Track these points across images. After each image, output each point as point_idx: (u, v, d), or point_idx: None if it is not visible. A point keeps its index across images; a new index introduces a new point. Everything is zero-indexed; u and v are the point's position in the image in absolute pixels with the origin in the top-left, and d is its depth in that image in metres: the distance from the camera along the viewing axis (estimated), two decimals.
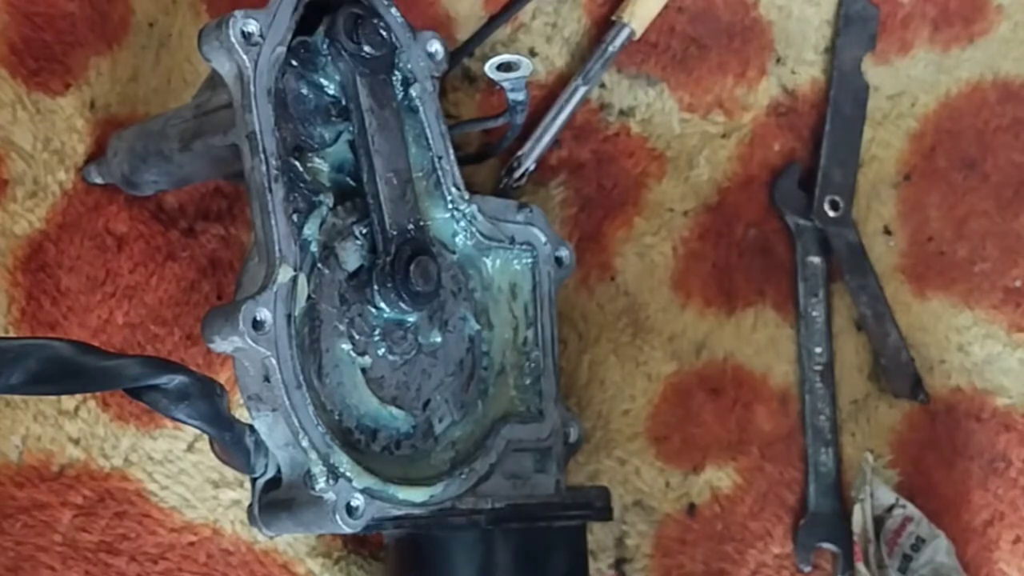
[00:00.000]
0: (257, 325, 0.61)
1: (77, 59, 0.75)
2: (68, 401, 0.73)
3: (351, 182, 0.68)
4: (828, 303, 0.87)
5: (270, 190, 0.63)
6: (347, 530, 0.63)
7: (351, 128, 0.68)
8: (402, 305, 0.67)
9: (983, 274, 0.90)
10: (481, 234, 0.71)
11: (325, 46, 0.67)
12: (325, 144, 0.68)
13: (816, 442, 0.86)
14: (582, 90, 0.83)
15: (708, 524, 0.84)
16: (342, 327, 0.66)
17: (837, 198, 0.87)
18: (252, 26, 0.63)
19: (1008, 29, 0.93)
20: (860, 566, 0.82)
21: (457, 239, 0.71)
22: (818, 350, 0.86)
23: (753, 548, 0.84)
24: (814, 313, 0.87)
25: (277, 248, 0.63)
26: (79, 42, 0.75)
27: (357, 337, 0.67)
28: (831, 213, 0.87)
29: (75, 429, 0.73)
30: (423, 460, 0.69)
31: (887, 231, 0.90)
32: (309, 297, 0.65)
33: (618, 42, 0.85)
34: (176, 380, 0.58)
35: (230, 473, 0.74)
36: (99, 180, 0.74)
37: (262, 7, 0.64)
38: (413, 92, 0.69)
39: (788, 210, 0.87)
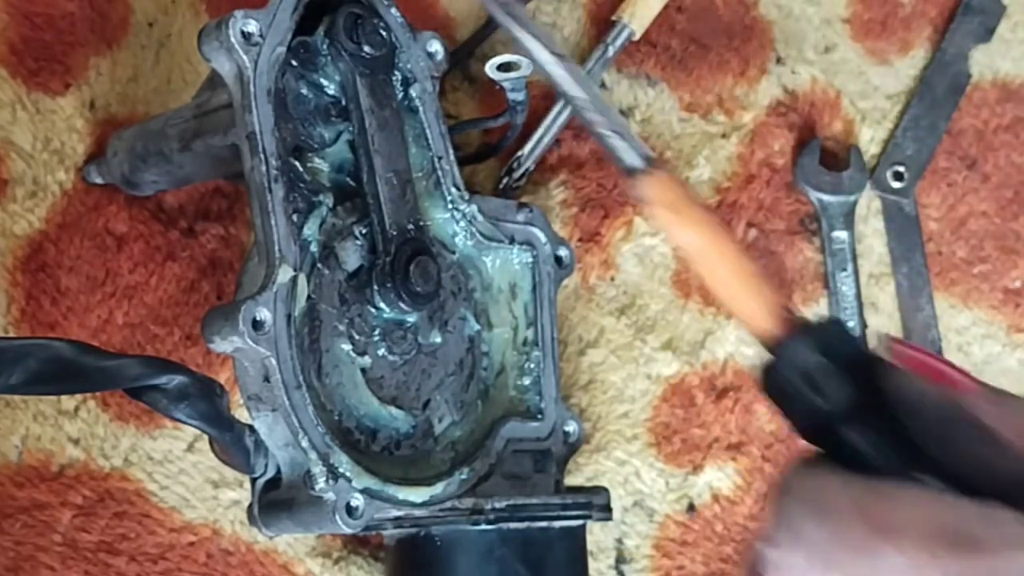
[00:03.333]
0: (257, 325, 0.61)
1: (77, 59, 0.75)
2: (68, 401, 0.73)
3: (351, 182, 0.68)
4: (857, 277, 0.87)
5: (270, 190, 0.63)
6: (347, 530, 0.63)
7: (351, 128, 0.68)
8: (402, 305, 0.67)
9: (983, 274, 0.90)
10: (481, 234, 0.71)
11: (325, 46, 0.67)
12: (325, 144, 0.68)
13: None
14: None
15: (708, 524, 0.84)
16: (342, 327, 0.66)
17: (902, 169, 0.89)
18: (252, 26, 0.63)
19: (1008, 29, 0.93)
20: None
21: (457, 239, 0.71)
22: (850, 324, 0.87)
23: None
24: (843, 287, 0.87)
25: (277, 248, 0.63)
26: (79, 42, 0.75)
27: (357, 337, 0.67)
28: (894, 184, 0.89)
29: (75, 429, 0.73)
30: (423, 460, 0.69)
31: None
32: (309, 297, 0.65)
33: (618, 42, 0.85)
34: (176, 380, 0.58)
35: (230, 473, 0.74)
36: (99, 180, 0.74)
37: (262, 7, 0.64)
38: (413, 92, 0.69)
39: (811, 187, 0.87)
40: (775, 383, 0.48)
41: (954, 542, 0.41)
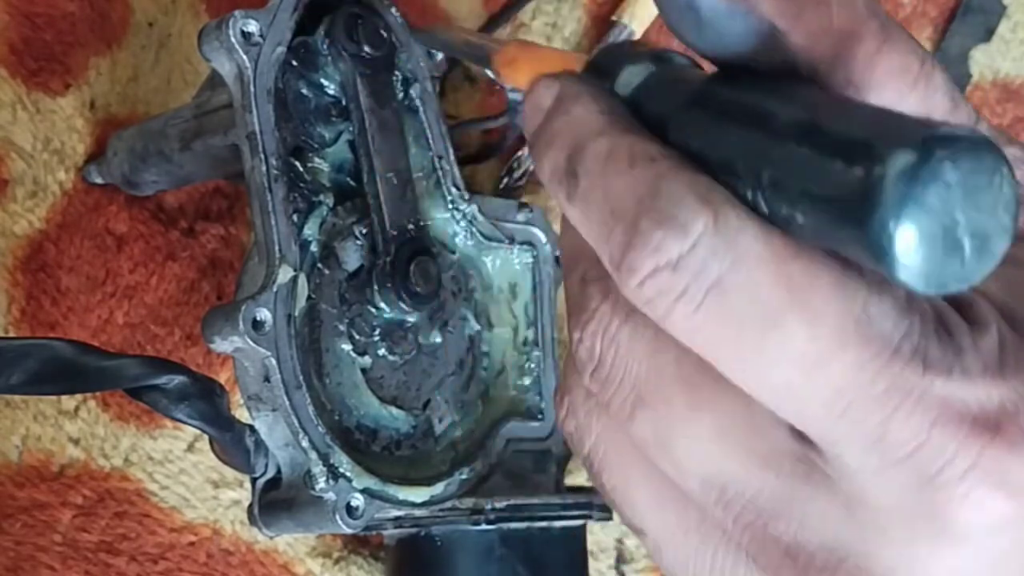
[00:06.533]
0: (257, 325, 0.61)
1: (77, 59, 0.75)
2: (68, 401, 0.73)
3: (351, 182, 0.68)
4: None
5: (270, 190, 0.63)
6: (347, 530, 0.63)
7: (351, 128, 0.68)
8: (402, 305, 0.67)
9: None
10: (481, 234, 0.71)
11: (325, 46, 0.67)
12: (325, 144, 0.68)
13: None
14: None
15: None
16: (342, 327, 0.67)
17: None
18: (252, 26, 0.63)
19: (1008, 29, 0.93)
20: None
21: (457, 239, 0.71)
22: None
23: None
24: None
25: (277, 248, 0.63)
26: (79, 42, 0.75)
27: (357, 337, 0.67)
28: None
29: (75, 429, 0.73)
30: (423, 460, 0.69)
31: None
32: (309, 297, 0.65)
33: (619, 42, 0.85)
34: (176, 380, 0.58)
35: (230, 473, 0.74)
36: (99, 180, 0.74)
37: (262, 7, 0.64)
38: (413, 92, 0.69)
39: None
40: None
41: (868, 338, 0.32)
